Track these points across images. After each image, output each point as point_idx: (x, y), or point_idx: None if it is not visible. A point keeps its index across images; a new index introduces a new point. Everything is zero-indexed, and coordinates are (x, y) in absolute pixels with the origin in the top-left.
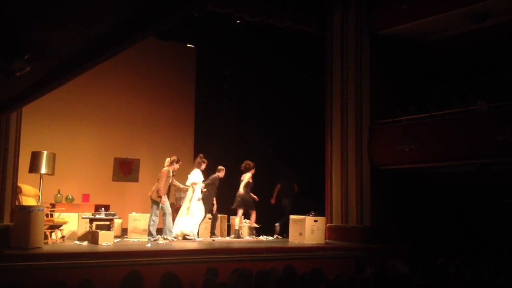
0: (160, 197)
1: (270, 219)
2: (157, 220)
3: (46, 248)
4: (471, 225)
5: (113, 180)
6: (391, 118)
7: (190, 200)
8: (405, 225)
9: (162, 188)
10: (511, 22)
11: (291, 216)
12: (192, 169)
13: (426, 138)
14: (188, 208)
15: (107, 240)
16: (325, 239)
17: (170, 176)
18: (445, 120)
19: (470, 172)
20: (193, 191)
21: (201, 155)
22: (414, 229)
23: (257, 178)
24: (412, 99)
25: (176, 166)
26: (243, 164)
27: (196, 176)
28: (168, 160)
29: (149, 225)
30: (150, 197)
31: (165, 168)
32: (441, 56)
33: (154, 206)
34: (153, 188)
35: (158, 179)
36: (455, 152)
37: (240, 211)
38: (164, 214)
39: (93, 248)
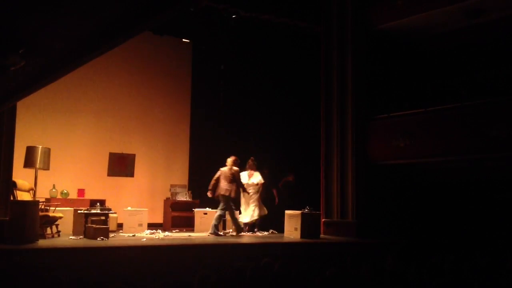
0: (239, 194)
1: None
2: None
3: (41, 243)
4: (466, 221)
5: (108, 175)
6: (387, 114)
7: (257, 198)
8: (401, 221)
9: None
10: (505, 19)
11: (287, 211)
12: (246, 171)
13: (421, 133)
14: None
15: (102, 235)
16: (321, 234)
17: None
18: (440, 116)
19: (465, 168)
20: (260, 190)
21: (253, 158)
22: (410, 225)
23: None
24: (407, 94)
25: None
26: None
27: (260, 177)
28: (231, 160)
29: (217, 220)
30: (224, 195)
31: (235, 168)
32: (436, 51)
33: (230, 203)
34: (228, 187)
35: (232, 179)
36: (450, 148)
37: None
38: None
39: (88, 243)
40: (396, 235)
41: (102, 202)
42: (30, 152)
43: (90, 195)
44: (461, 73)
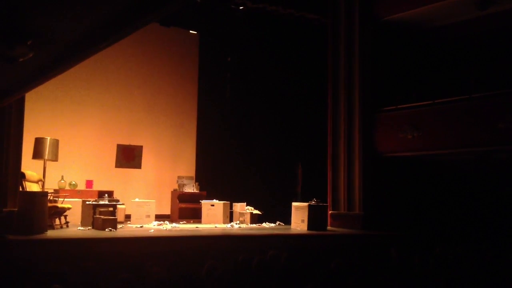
0: None
1: (272, 205)
2: None
3: (49, 233)
4: (473, 213)
5: (116, 167)
6: (394, 106)
7: None
8: (408, 213)
9: None
10: None
11: (294, 203)
12: None
13: (429, 125)
14: None
15: (110, 226)
16: (328, 226)
17: None
18: (448, 108)
19: (472, 160)
20: None
21: None
22: (417, 217)
23: (259, 164)
24: (414, 86)
25: None
26: None
27: None
28: None
29: None
30: None
31: None
32: (444, 43)
33: None
34: None
35: None
36: (458, 140)
37: None
38: None
39: (97, 234)
40: (403, 227)
41: (110, 193)
42: (39, 143)
43: (98, 186)
44: (470, 65)
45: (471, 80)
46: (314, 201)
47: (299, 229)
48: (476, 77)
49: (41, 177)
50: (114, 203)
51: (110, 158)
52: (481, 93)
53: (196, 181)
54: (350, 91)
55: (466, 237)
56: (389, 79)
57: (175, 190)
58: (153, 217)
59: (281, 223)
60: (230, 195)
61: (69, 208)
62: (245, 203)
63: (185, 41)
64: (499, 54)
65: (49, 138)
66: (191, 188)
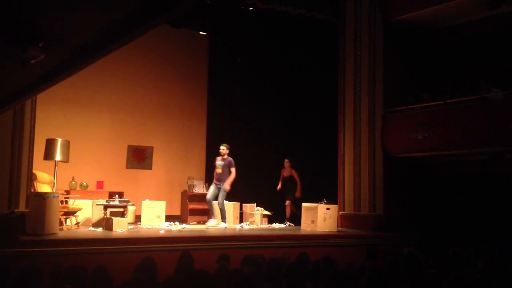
0: None
1: (282, 206)
2: None
3: (61, 234)
4: (484, 214)
5: (126, 168)
6: (405, 106)
7: None
8: (418, 214)
9: None
10: None
11: (304, 204)
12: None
13: (440, 126)
14: None
15: (121, 227)
16: (338, 227)
17: None
18: (459, 108)
19: (484, 161)
20: None
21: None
22: (427, 218)
23: (268, 164)
24: (425, 86)
25: None
26: None
27: None
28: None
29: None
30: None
31: None
32: (455, 43)
33: None
34: None
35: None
36: (469, 140)
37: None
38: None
39: (107, 234)
40: (413, 228)
41: (121, 194)
42: (50, 144)
43: (108, 187)
44: (481, 65)
45: (482, 80)
46: (324, 201)
47: (309, 229)
48: (488, 77)
49: (52, 178)
50: (125, 204)
51: (121, 159)
52: (493, 93)
53: (206, 181)
54: (361, 92)
55: (479, 238)
56: (400, 79)
57: (185, 191)
58: (163, 217)
59: (291, 224)
60: (240, 196)
61: (80, 209)
62: (255, 203)
63: (195, 43)
64: (510, 54)
65: (60, 139)
66: (201, 189)
